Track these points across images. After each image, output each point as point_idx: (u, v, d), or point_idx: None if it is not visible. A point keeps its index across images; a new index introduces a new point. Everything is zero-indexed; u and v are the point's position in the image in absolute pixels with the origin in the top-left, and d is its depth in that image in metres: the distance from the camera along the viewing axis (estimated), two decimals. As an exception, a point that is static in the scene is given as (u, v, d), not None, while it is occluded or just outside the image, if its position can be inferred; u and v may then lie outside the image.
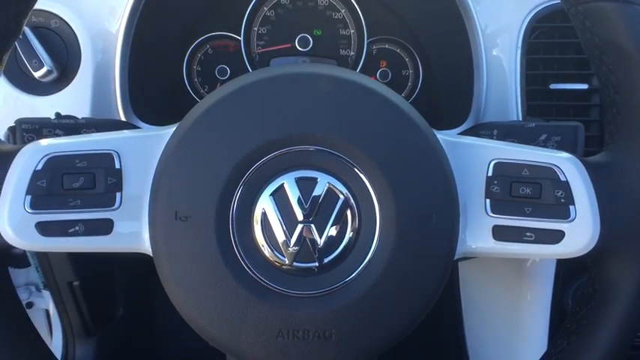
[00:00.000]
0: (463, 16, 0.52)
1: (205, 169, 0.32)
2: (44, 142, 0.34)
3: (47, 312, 0.83)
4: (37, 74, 0.48)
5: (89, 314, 0.76)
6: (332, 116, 0.32)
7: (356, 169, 0.33)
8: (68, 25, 0.50)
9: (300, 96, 0.32)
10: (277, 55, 0.66)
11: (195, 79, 0.66)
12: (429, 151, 0.33)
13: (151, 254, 0.34)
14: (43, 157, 0.33)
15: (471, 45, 0.52)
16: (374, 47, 0.67)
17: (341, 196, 0.33)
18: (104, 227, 0.33)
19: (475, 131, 0.47)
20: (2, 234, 0.32)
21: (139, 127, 0.50)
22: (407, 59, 0.67)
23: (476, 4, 0.52)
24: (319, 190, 0.32)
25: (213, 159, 0.32)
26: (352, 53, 0.67)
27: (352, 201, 0.33)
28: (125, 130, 0.38)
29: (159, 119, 0.57)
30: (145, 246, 0.34)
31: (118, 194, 0.34)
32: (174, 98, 0.65)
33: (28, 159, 0.33)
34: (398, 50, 0.67)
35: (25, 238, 0.32)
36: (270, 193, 0.32)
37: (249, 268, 0.32)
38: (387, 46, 0.67)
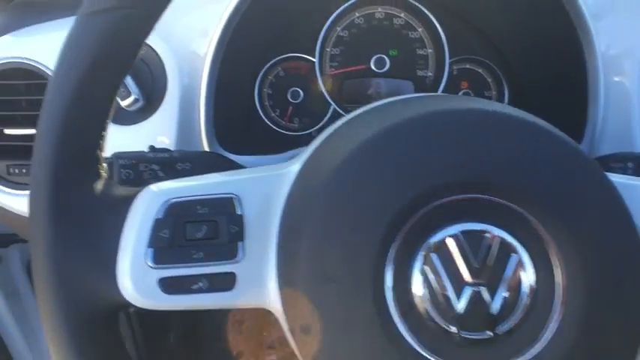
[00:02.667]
0: (580, 35, 0.47)
1: (357, 222, 0.27)
2: (161, 185, 0.30)
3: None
4: (123, 103, 0.45)
5: (143, 342, 0.72)
6: (505, 160, 0.28)
7: (532, 222, 0.28)
8: (153, 50, 0.47)
9: (464, 136, 0.28)
10: (353, 77, 0.63)
11: (266, 103, 0.63)
12: (612, 198, 0.28)
13: (279, 312, 0.30)
14: (164, 203, 0.29)
15: (588, 68, 0.47)
16: (454, 67, 0.63)
17: (514, 255, 0.28)
18: (227, 282, 0.29)
19: (605, 163, 0.42)
20: (122, 291, 0.29)
21: (226, 158, 0.46)
22: (490, 79, 0.63)
23: (596, 21, 0.47)
24: (490, 247, 0.27)
25: (365, 210, 0.27)
26: (430, 74, 0.63)
27: (528, 260, 0.28)
28: (241, 170, 0.34)
29: (234, 146, 0.54)
30: (270, 301, 0.30)
31: (239, 244, 0.30)
32: (247, 123, 0.62)
33: (148, 206, 0.29)
34: (480, 70, 0.63)
35: (147, 297, 0.29)
36: (431, 249, 0.28)
37: (413, 338, 0.27)
38: (467, 65, 0.63)
